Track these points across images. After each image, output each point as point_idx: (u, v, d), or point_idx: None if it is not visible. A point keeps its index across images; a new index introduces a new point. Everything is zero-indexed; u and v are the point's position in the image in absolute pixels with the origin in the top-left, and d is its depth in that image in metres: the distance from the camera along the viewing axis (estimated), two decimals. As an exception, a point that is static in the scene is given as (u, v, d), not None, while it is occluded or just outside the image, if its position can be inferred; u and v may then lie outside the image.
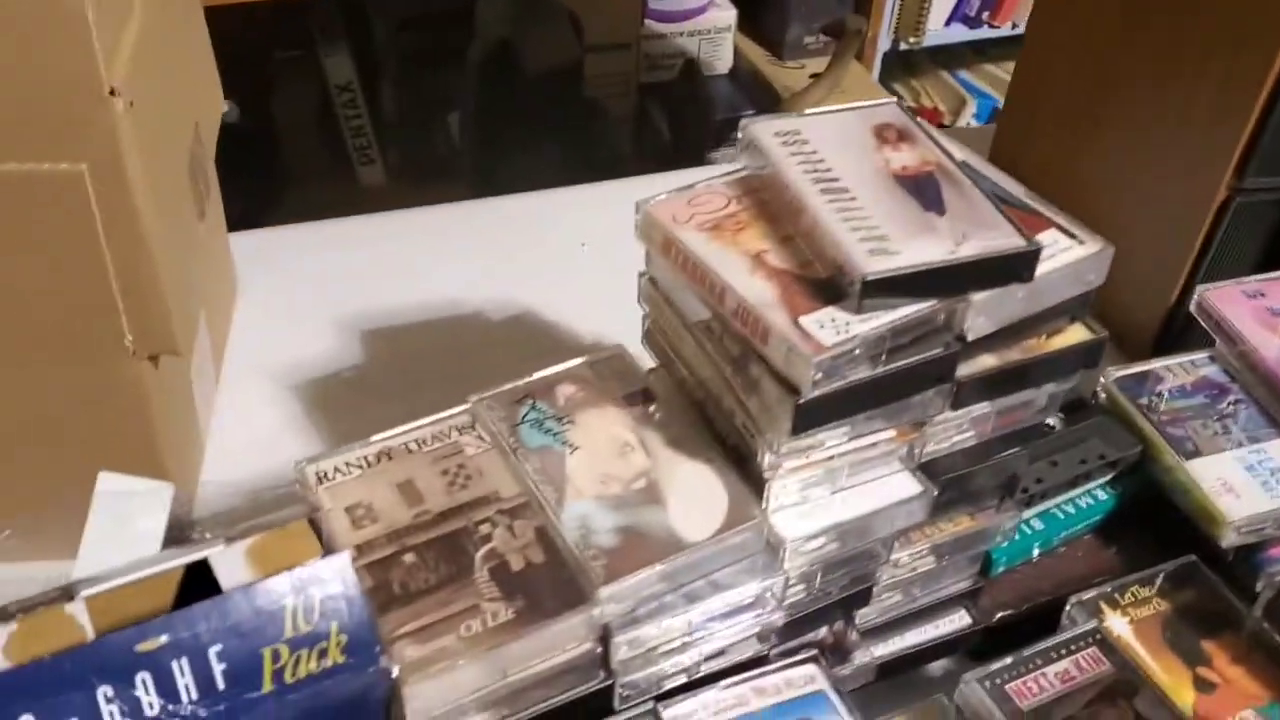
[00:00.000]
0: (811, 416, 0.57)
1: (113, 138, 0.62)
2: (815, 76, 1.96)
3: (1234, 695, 0.67)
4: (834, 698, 0.60)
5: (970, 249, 0.57)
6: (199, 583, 0.52)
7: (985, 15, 2.17)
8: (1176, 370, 0.83)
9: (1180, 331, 0.91)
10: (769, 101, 1.98)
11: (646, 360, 0.71)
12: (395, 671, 0.52)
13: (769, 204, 0.63)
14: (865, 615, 0.72)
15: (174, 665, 0.48)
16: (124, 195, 0.64)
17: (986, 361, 0.62)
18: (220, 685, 0.48)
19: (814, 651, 0.62)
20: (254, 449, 0.85)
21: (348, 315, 1.00)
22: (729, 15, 2.05)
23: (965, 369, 0.61)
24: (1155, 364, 0.84)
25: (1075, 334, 0.64)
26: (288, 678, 0.49)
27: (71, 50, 0.59)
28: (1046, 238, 0.61)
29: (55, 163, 0.62)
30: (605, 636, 0.57)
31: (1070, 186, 0.82)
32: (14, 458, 0.72)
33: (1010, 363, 0.62)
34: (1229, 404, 0.81)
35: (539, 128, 1.85)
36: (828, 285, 0.58)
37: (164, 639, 0.48)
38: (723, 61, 2.07)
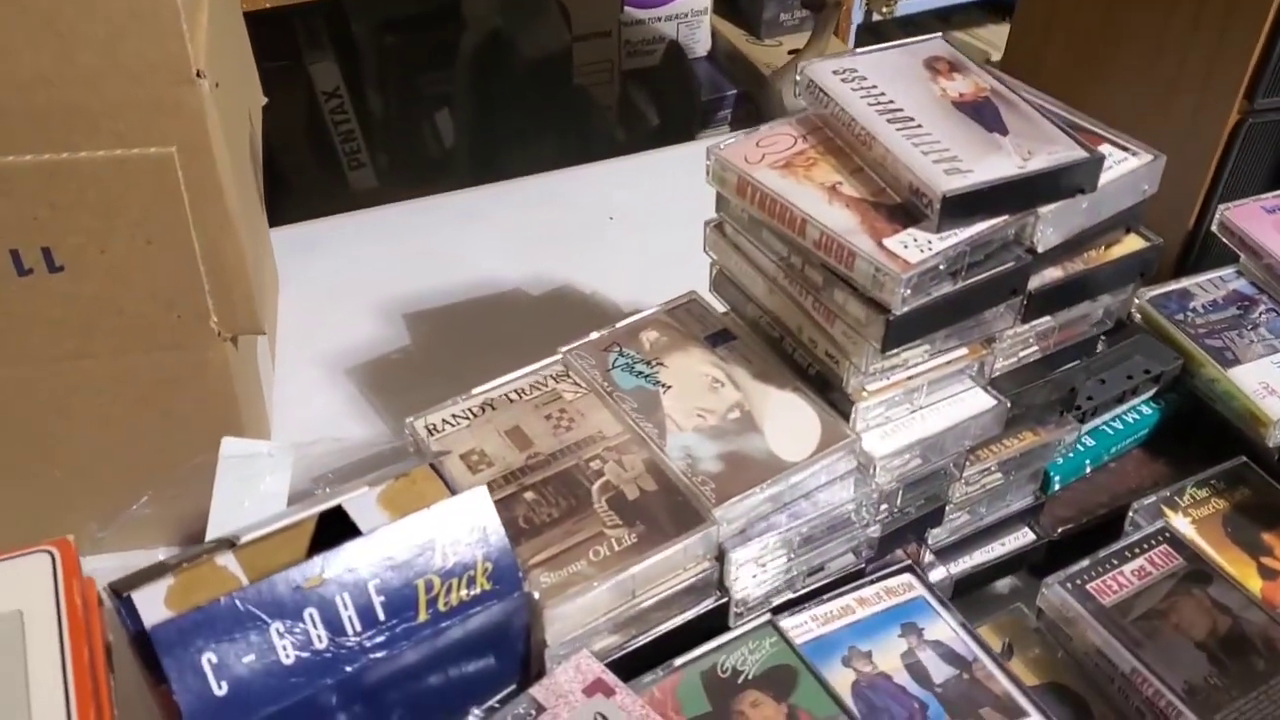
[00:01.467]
0: (900, 333, 0.60)
1: (200, 119, 0.64)
2: (794, 52, 2.00)
3: (1297, 580, 0.70)
4: (934, 602, 0.63)
5: (1038, 163, 0.60)
6: (328, 535, 0.54)
7: (954, -17, 2.21)
8: (1206, 286, 0.87)
9: (1201, 252, 0.95)
10: (751, 80, 2.01)
11: (716, 307, 0.74)
12: (536, 596, 0.54)
13: (835, 140, 0.66)
14: (936, 536, 0.75)
15: (337, 599, 0.50)
16: (211, 176, 0.66)
17: (1052, 274, 0.65)
18: (381, 616, 0.51)
19: (908, 561, 0.65)
20: (314, 429, 0.86)
21: (385, 301, 1.02)
22: (705, -1, 2.08)
23: (1034, 282, 0.64)
24: (1185, 282, 0.87)
25: (1131, 243, 0.67)
26: (441, 606, 0.52)
27: (161, 34, 0.61)
28: (1103, 150, 0.64)
29: (145, 147, 0.64)
30: (721, 556, 0.60)
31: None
32: (111, 445, 0.74)
33: (1074, 273, 0.65)
34: (1260, 313, 0.84)
35: (529, 119, 1.87)
36: (904, 209, 0.61)
37: (325, 575, 0.50)
38: (701, 44, 2.10)
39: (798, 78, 0.68)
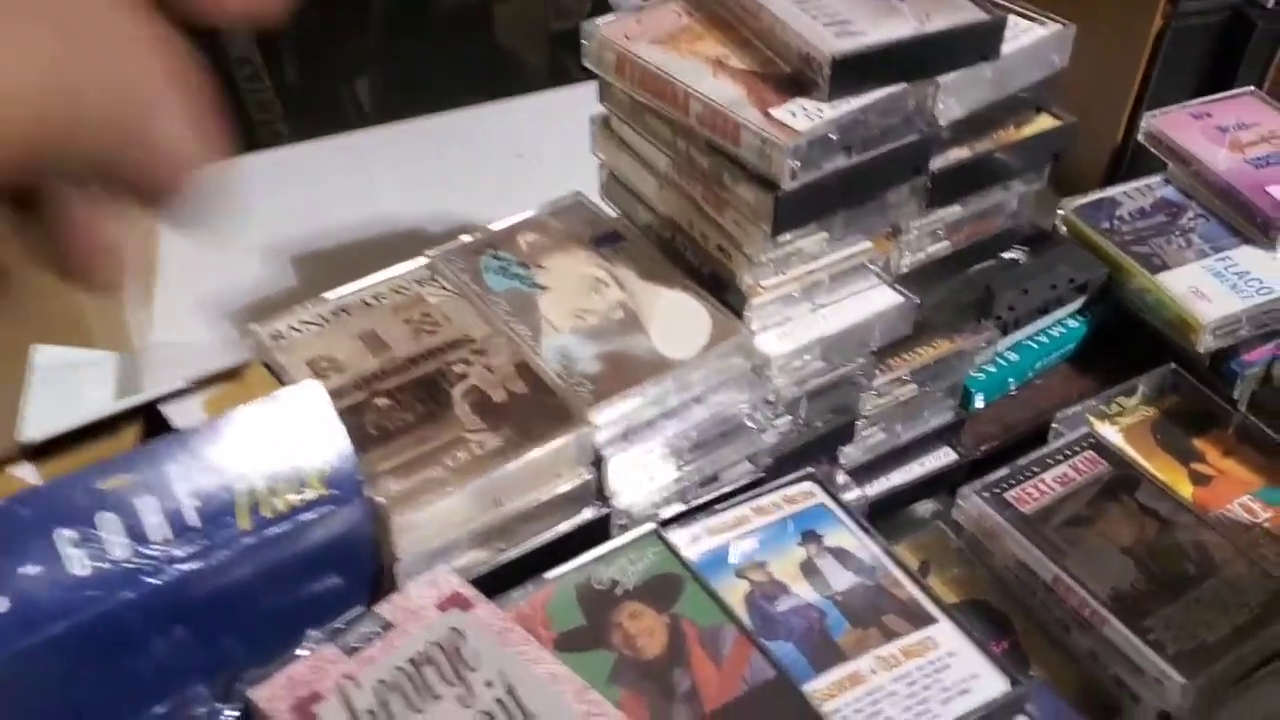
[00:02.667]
0: (792, 212, 0.55)
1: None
2: None
3: (1229, 484, 0.66)
4: (836, 508, 0.58)
5: (936, 24, 0.55)
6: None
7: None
8: (1133, 194, 0.83)
9: (1130, 165, 0.91)
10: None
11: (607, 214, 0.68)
12: (382, 502, 0.48)
13: (722, 13, 0.60)
14: (850, 455, 0.69)
15: (139, 504, 0.43)
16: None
17: (958, 154, 0.60)
18: (193, 523, 0.44)
19: (810, 469, 0.60)
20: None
21: (274, 244, 0.96)
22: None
23: (938, 162, 0.59)
24: (1111, 191, 0.83)
25: (1043, 123, 0.62)
26: (266, 513, 0.46)
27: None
28: (1010, 20, 0.59)
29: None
30: (598, 463, 0.54)
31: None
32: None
33: (981, 153, 0.60)
34: (1189, 219, 0.80)
35: (451, 82, 1.81)
36: (794, 79, 0.56)
37: (126, 477, 0.44)
38: (630, 3, 2.03)
39: (681, -47, 0.63)
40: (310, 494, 0.47)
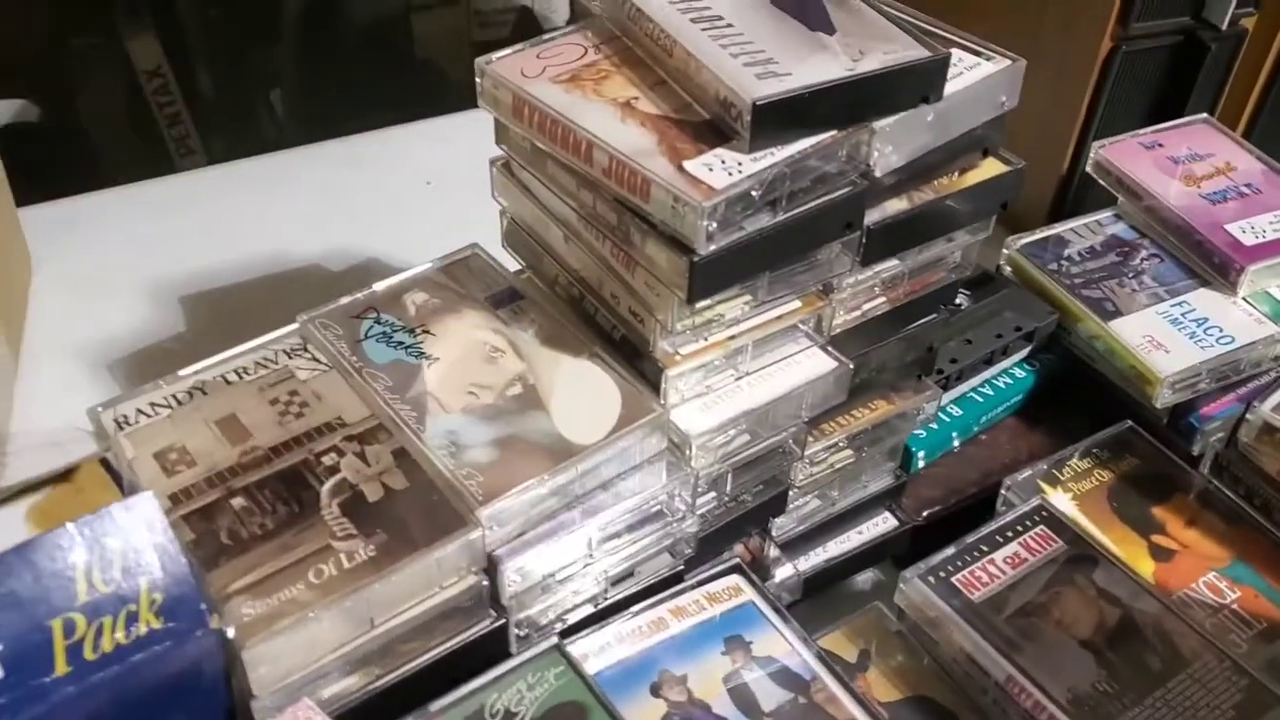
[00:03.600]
0: (709, 278, 0.48)
1: None
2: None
3: (1193, 559, 0.61)
4: (765, 608, 0.51)
5: (870, 63, 0.49)
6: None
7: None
8: (1082, 231, 0.77)
9: (1077, 198, 0.85)
10: (612, 50, 1.90)
11: (510, 266, 0.61)
12: (230, 633, 0.41)
13: (634, 48, 0.54)
14: (782, 526, 0.64)
15: (-73, 654, 0.36)
16: None
17: (896, 205, 0.54)
18: (-5, 673, 0.37)
19: (735, 560, 0.53)
20: (64, 430, 0.72)
21: (162, 282, 0.88)
22: (558, -38, 1.96)
23: (874, 215, 0.53)
24: (1059, 228, 0.78)
25: (989, 168, 0.56)
26: (88, 653, 0.38)
27: None
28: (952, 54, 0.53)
29: None
30: (491, 567, 0.47)
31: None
32: None
33: (921, 204, 0.54)
34: (1142, 259, 0.75)
35: (369, 93, 1.73)
36: (711, 126, 0.50)
37: (-91, 621, 0.36)
38: (558, 14, 1.97)
39: (587, -22, 0.56)
40: (142, 628, 0.39)
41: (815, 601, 0.65)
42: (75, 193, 0.97)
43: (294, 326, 0.54)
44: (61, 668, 0.38)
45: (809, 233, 0.51)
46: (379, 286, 0.56)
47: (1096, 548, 0.59)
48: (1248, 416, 0.61)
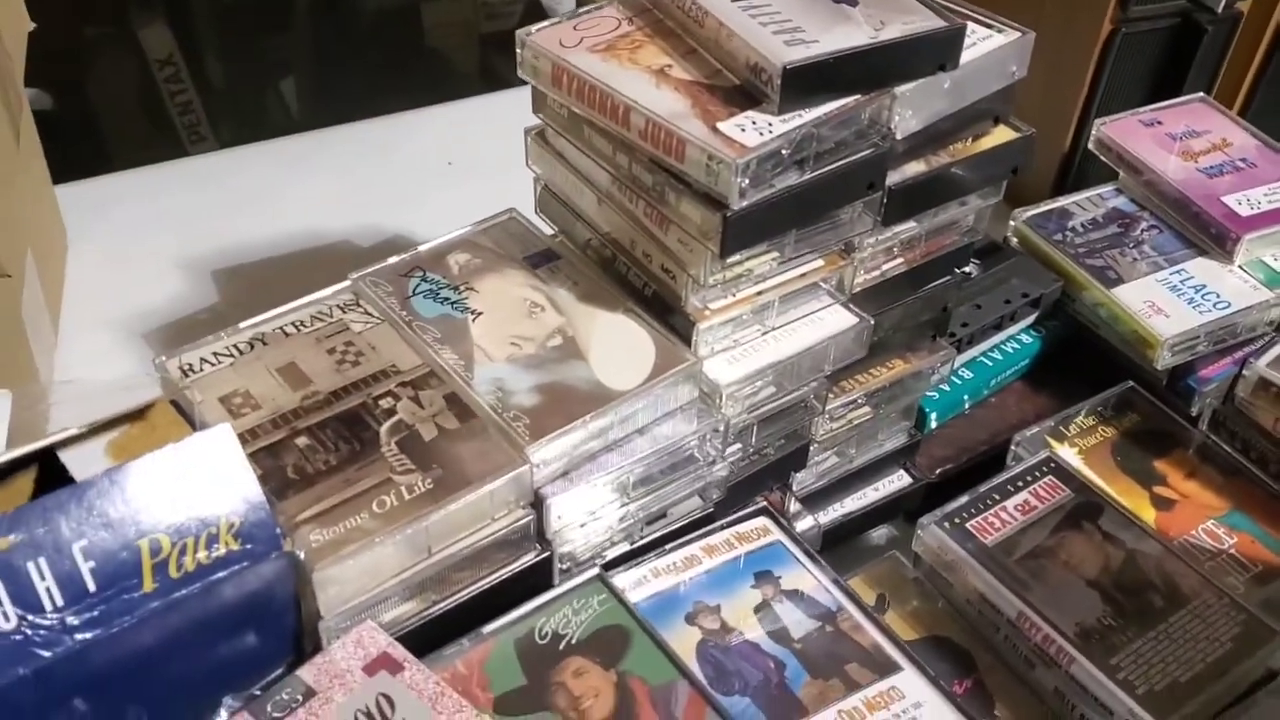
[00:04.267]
0: (741, 233, 0.51)
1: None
2: None
3: (1193, 508, 0.64)
4: (792, 546, 0.54)
5: (891, 32, 0.52)
6: (53, 497, 0.43)
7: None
8: (1085, 205, 0.81)
9: (1079, 173, 0.89)
10: (617, 40, 1.93)
11: (544, 230, 0.64)
12: (301, 555, 0.44)
13: (665, 20, 0.57)
14: (802, 481, 0.67)
15: (29, 567, 0.39)
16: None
17: (914, 168, 0.57)
18: (90, 587, 0.40)
19: (763, 503, 0.56)
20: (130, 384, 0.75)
21: (192, 257, 0.90)
22: (564, -45, 1.99)
23: (894, 178, 0.56)
24: (1063, 201, 0.81)
25: (1001, 135, 0.59)
26: (172, 571, 0.41)
27: None
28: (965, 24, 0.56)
29: None
30: (538, 503, 0.50)
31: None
32: None
33: (938, 167, 0.57)
34: (1142, 230, 0.78)
35: (382, 85, 1.75)
36: (742, 91, 0.53)
37: (13, 537, 0.39)
38: (563, 4, 2.00)
39: (620, -44, 0.59)
40: (221, 550, 0.42)
41: (834, 554, 0.68)
42: (91, 173, 1.00)
43: (346, 284, 0.57)
44: (149, 584, 0.41)
45: (834, 191, 0.54)
46: (423, 248, 0.59)
47: (1102, 496, 0.62)
48: (1244, 372, 0.64)
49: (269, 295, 0.87)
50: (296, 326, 0.55)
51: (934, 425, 0.72)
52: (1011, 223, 0.79)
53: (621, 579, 0.52)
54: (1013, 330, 0.76)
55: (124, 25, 1.77)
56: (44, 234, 0.83)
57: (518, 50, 0.57)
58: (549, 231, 0.64)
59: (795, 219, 0.54)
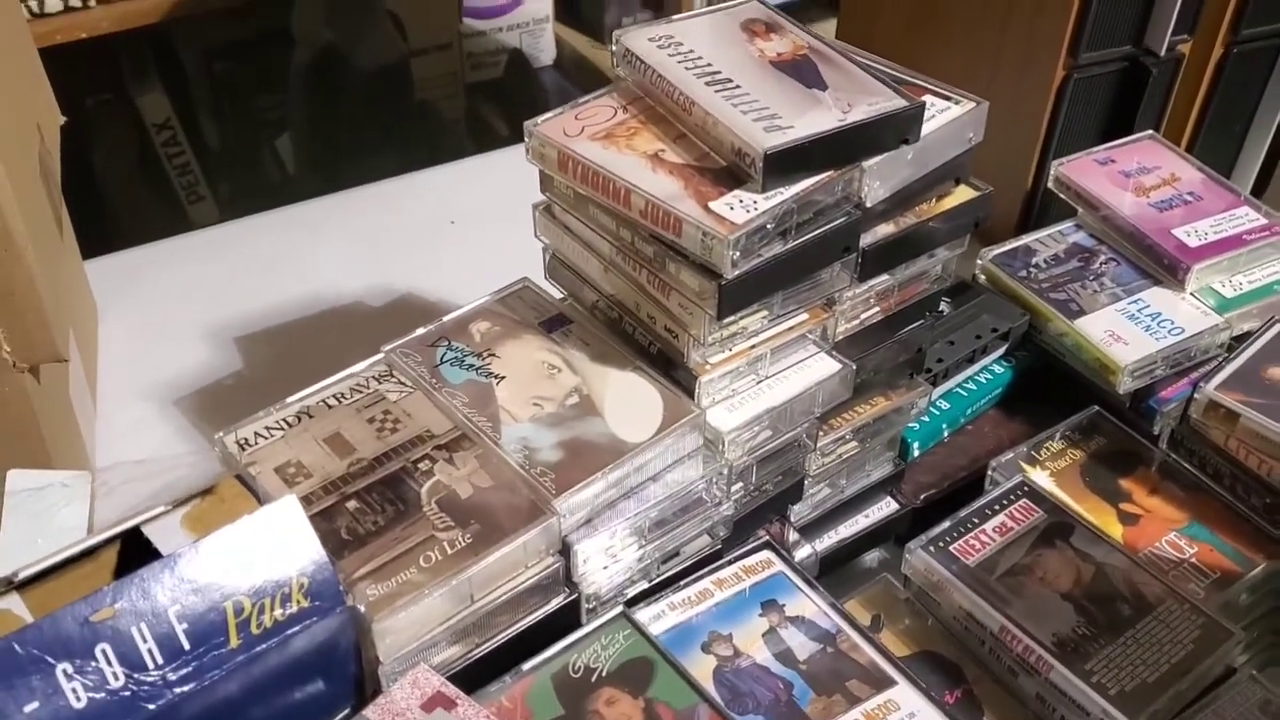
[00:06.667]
0: (735, 298, 0.58)
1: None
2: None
3: (1156, 522, 0.70)
4: (794, 576, 0.60)
5: (858, 114, 0.59)
6: (135, 568, 0.49)
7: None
8: (1046, 241, 0.87)
9: (1040, 211, 0.95)
10: (598, 85, 1.99)
11: (553, 294, 0.70)
12: (363, 609, 0.50)
13: (656, 108, 0.63)
14: (799, 513, 0.73)
15: (133, 631, 0.45)
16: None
17: (885, 230, 0.64)
18: (185, 645, 0.46)
19: (765, 537, 0.63)
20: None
21: (216, 324, 0.96)
22: (545, 6, 2.06)
23: (867, 239, 0.63)
24: (1026, 239, 0.87)
25: (962, 194, 0.66)
26: (254, 629, 0.47)
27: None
28: (925, 100, 0.63)
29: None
30: (565, 550, 0.56)
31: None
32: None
33: (906, 228, 0.64)
34: (1101, 263, 0.85)
35: (373, 137, 1.82)
36: (729, 172, 0.59)
37: (117, 605, 0.45)
38: (545, 53, 2.07)
39: (613, 47, 0.66)
40: (294, 607, 0.48)
41: (831, 577, 0.74)
42: (96, 241, 1.06)
43: (379, 356, 0.63)
44: (234, 640, 0.47)
45: (814, 256, 0.60)
46: (447, 318, 0.65)
47: (1072, 515, 0.68)
48: (1195, 395, 0.70)
49: (293, 359, 0.94)
50: (338, 399, 0.61)
51: (917, 454, 0.78)
52: (979, 262, 0.86)
53: (643, 614, 0.58)
54: (985, 362, 0.82)
55: (123, 92, 1.84)
56: (81, 312, 0.89)
57: (525, 139, 0.63)
58: (558, 295, 0.70)
59: (781, 282, 0.60)
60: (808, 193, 0.58)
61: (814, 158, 0.58)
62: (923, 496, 0.77)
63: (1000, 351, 0.83)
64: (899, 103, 0.59)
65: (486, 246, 1.00)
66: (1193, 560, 0.67)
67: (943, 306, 0.83)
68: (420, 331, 0.64)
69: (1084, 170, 0.89)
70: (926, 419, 0.78)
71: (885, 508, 0.77)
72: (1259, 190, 1.07)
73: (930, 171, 0.63)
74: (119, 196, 1.91)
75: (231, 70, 1.88)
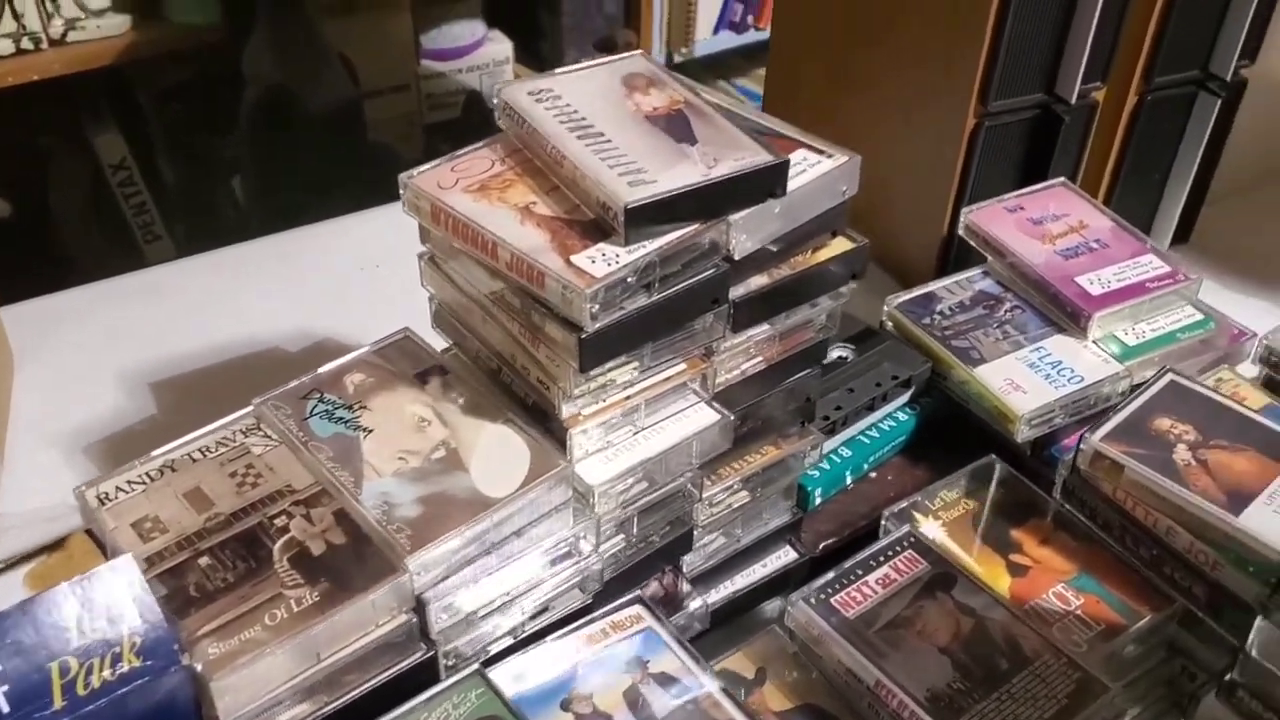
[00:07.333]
0: (596, 350, 0.57)
1: None
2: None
3: (1045, 574, 0.70)
4: (663, 633, 0.60)
5: (722, 169, 0.59)
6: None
7: (750, 19, 2.25)
8: (953, 289, 0.87)
9: (958, 258, 0.95)
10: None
11: (441, 345, 0.70)
12: (199, 668, 0.49)
13: (532, 160, 0.63)
14: (692, 563, 0.72)
15: (-53, 695, 0.44)
16: None
17: (758, 281, 0.63)
18: (4, 708, 0.45)
19: (637, 592, 0.62)
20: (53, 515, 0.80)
21: (136, 370, 0.96)
22: (505, 48, 2.07)
23: (739, 290, 0.62)
24: (933, 286, 0.87)
25: (838, 245, 0.66)
26: (80, 690, 0.47)
27: None
28: (796, 156, 0.63)
29: None
30: (420, 607, 0.56)
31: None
32: None
33: (780, 279, 0.64)
34: (1006, 311, 0.85)
35: (327, 178, 1.82)
36: (595, 225, 0.59)
37: (-68, 669, 0.44)
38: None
39: (494, 100, 0.66)
40: (125, 667, 0.48)
41: (729, 628, 0.73)
42: (49, 280, 1.06)
43: (248, 409, 0.63)
44: (58, 702, 0.46)
45: (682, 308, 0.60)
46: (322, 370, 0.65)
47: (956, 567, 0.68)
48: (1081, 446, 0.70)
49: (209, 405, 0.92)
50: (203, 452, 0.60)
51: (818, 502, 0.78)
52: (885, 308, 0.86)
53: (505, 671, 0.57)
54: (889, 409, 0.82)
55: (79, 133, 1.84)
56: (-10, 361, 0.89)
57: (401, 191, 0.63)
58: (444, 344, 0.70)
59: (648, 334, 0.60)
60: (672, 247, 0.58)
61: (677, 211, 0.58)
62: (821, 545, 0.76)
63: (904, 399, 0.83)
64: (765, 158, 0.59)
65: (410, 292, 1.00)
66: (1078, 612, 0.67)
67: (846, 354, 0.83)
68: (293, 384, 0.64)
69: (992, 217, 0.89)
70: (828, 466, 0.78)
71: (784, 556, 0.76)
72: (1182, 237, 1.07)
73: (803, 224, 0.63)
74: (74, 237, 1.91)
75: (186, 111, 1.89)
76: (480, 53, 2.06)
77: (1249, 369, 0.85)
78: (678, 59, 2.25)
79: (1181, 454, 0.68)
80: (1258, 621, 0.56)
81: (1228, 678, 0.59)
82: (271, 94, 1.71)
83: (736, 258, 0.60)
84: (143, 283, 1.08)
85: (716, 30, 2.26)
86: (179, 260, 1.11)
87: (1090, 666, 0.63)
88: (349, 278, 1.06)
